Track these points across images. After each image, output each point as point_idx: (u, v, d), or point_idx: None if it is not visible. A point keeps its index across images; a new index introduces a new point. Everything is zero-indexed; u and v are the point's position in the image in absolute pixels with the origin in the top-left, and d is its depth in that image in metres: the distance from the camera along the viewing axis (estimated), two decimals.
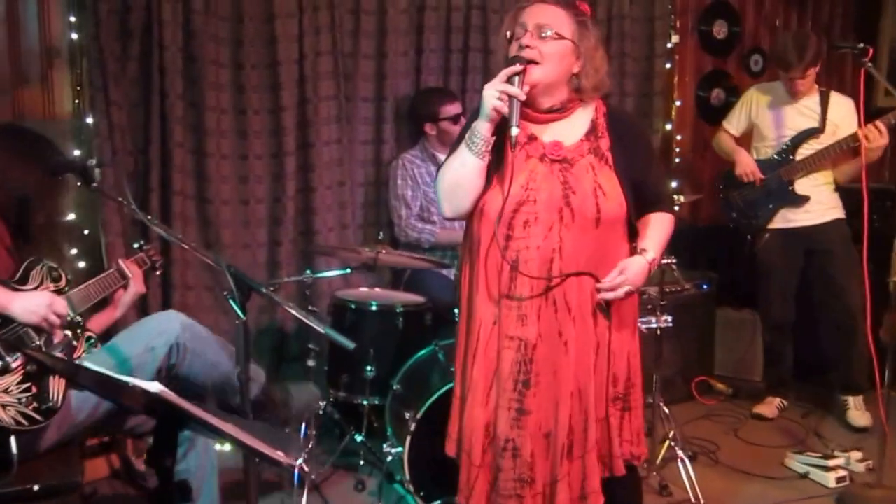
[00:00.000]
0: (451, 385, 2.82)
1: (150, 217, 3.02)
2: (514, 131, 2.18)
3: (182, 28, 3.77)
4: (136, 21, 3.70)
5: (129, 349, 2.57)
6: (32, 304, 2.41)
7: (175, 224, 3.84)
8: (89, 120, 3.68)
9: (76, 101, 3.70)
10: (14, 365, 2.35)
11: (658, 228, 2.44)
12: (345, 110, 4.16)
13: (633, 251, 2.39)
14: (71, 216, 3.71)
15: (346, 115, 4.17)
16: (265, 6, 3.93)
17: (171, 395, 1.57)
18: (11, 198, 2.58)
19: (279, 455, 1.64)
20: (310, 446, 3.32)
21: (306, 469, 3.08)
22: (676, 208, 3.39)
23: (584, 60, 2.30)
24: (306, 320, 2.00)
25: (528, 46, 2.24)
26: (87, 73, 3.67)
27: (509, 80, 2.21)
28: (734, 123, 4.36)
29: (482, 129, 2.24)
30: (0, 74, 3.63)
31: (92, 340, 2.65)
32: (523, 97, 2.20)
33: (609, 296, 2.30)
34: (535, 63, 2.24)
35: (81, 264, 3.71)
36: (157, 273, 3.11)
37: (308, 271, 3.53)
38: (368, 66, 4.20)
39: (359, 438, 3.49)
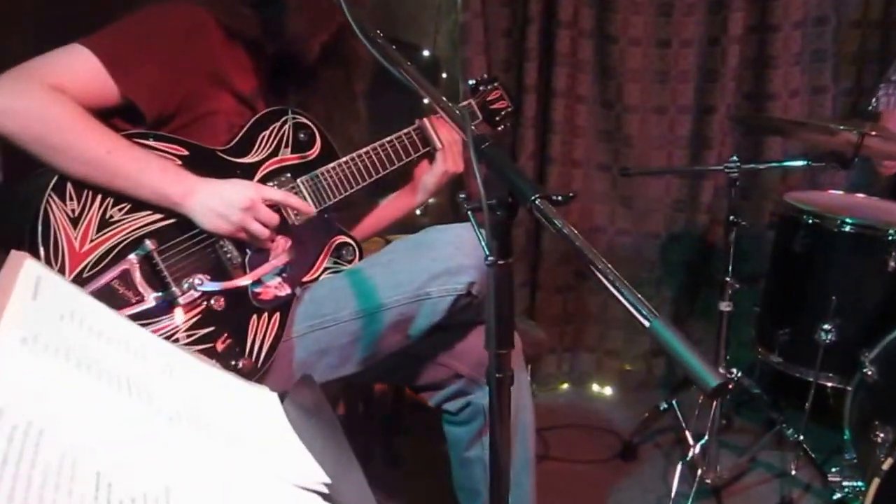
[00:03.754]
0: None
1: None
2: None
3: None
4: None
5: (388, 290, 1.44)
6: (219, 200, 1.36)
7: (558, 72, 2.74)
8: None
9: None
10: (184, 299, 1.36)
11: None
12: None
13: None
14: (426, 52, 2.77)
15: None
16: None
17: None
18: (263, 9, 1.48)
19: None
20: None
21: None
22: None
23: None
24: None
25: None
26: None
27: None
28: None
29: None
30: None
31: (344, 251, 1.58)
32: None
33: None
34: None
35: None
36: (500, 129, 1.85)
37: (734, 158, 2.12)
38: None
39: (793, 435, 2.35)
